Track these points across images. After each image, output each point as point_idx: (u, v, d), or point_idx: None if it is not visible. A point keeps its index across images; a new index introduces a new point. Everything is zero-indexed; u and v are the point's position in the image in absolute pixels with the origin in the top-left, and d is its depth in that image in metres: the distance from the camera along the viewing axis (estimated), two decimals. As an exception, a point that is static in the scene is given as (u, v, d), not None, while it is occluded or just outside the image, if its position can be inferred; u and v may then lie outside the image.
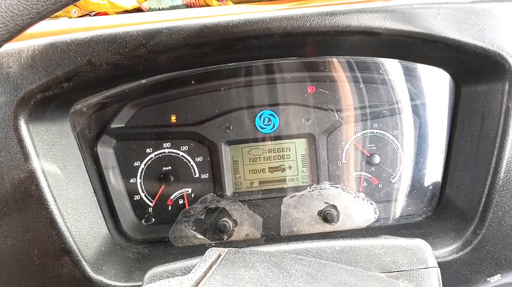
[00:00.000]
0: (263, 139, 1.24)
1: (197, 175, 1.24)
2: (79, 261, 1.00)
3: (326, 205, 1.21)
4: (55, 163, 1.02)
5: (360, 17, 0.94)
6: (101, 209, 1.15)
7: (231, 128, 1.22)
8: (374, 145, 1.24)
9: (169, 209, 1.25)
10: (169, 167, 1.24)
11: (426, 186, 1.23)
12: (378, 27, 0.95)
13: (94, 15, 1.57)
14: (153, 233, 1.24)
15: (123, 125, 1.22)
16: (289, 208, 1.22)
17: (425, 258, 0.86)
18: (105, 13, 1.54)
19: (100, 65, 0.95)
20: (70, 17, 1.55)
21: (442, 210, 1.17)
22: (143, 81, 1.15)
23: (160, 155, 1.23)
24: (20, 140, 0.94)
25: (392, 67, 1.20)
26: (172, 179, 1.23)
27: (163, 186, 1.24)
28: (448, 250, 1.02)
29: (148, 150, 1.23)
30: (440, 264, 0.87)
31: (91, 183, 1.15)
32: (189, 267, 0.83)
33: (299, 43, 1.02)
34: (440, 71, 1.15)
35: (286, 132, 1.23)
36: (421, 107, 1.22)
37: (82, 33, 0.95)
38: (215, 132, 1.22)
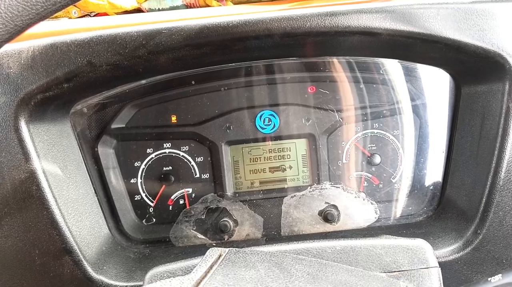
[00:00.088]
0: (264, 140, 1.24)
1: (198, 175, 1.24)
2: (80, 261, 1.00)
3: (327, 205, 1.21)
4: (56, 163, 1.02)
5: (360, 18, 0.94)
6: (102, 209, 1.15)
7: (231, 128, 1.22)
8: (374, 145, 1.24)
9: (170, 209, 1.25)
10: (170, 167, 1.24)
11: (426, 185, 1.23)
12: (378, 27, 0.95)
13: (94, 15, 1.57)
14: (154, 233, 1.24)
15: (124, 125, 1.22)
16: (289, 208, 1.22)
17: (426, 258, 0.85)
18: (105, 14, 1.54)
19: (100, 66, 0.95)
20: (70, 18, 1.55)
21: (443, 210, 1.17)
22: (143, 81, 1.15)
23: (161, 155, 1.24)
24: (21, 141, 0.94)
25: (392, 67, 1.20)
26: (173, 179, 1.23)
27: (163, 186, 1.24)
28: (449, 250, 1.02)
29: (148, 150, 1.23)
30: (441, 264, 0.87)
31: (92, 183, 1.15)
32: (190, 267, 0.84)
33: (299, 44, 1.02)
34: (440, 72, 1.15)
35: (287, 133, 1.23)
36: (422, 107, 1.22)
37: (82, 34, 0.95)
38: (216, 133, 1.22)
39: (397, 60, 1.18)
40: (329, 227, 1.21)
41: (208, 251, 0.80)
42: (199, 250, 1.12)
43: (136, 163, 1.23)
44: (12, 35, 0.60)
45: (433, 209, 1.21)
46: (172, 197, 1.25)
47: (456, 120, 1.15)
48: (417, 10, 0.95)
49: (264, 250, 0.83)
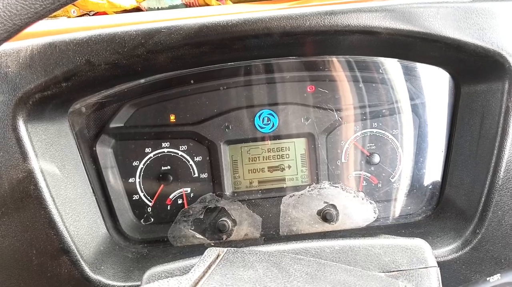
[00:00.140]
0: (263, 139, 1.24)
1: (196, 175, 1.24)
2: (77, 261, 0.99)
3: (326, 204, 1.21)
4: (54, 162, 1.02)
5: (359, 17, 0.94)
6: (100, 208, 1.15)
7: (230, 128, 1.22)
8: (373, 144, 1.24)
9: (168, 208, 1.25)
10: (168, 167, 1.24)
11: (425, 185, 1.23)
12: (377, 26, 0.95)
13: (93, 14, 1.57)
14: (152, 232, 1.24)
15: (122, 125, 1.22)
16: (288, 207, 1.22)
17: (425, 258, 0.85)
18: (104, 13, 1.53)
19: (98, 65, 0.94)
20: (69, 17, 1.54)
21: (442, 210, 1.17)
22: (142, 80, 1.15)
23: (159, 155, 1.23)
24: (19, 140, 0.94)
25: (391, 66, 1.20)
26: (171, 178, 1.23)
27: (162, 185, 1.24)
28: (448, 250, 1.02)
29: (147, 150, 1.23)
30: (440, 264, 0.87)
31: (90, 183, 1.15)
32: (188, 267, 0.83)
33: (299, 43, 1.02)
34: (439, 71, 1.15)
35: (286, 132, 1.23)
36: (421, 106, 1.22)
37: (80, 33, 0.95)
38: (214, 132, 1.22)
39: (396, 59, 1.18)
40: (327, 227, 1.21)
41: (206, 251, 0.80)
42: (198, 250, 1.12)
43: (134, 162, 1.23)
44: (10, 34, 0.60)
45: (432, 208, 1.21)
46: (171, 197, 1.24)
47: (456, 119, 1.15)
48: (417, 9, 0.95)
49: (263, 250, 0.83)
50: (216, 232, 1.21)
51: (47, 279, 1.00)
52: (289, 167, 1.25)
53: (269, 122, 1.23)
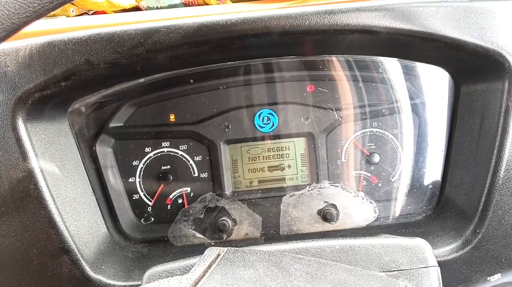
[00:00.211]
0: (262, 139, 1.24)
1: (196, 174, 1.24)
2: (78, 260, 0.99)
3: (326, 204, 1.21)
4: (54, 162, 1.02)
5: (359, 16, 0.94)
6: (100, 208, 1.15)
7: (230, 127, 1.22)
8: (373, 144, 1.24)
9: (168, 208, 1.25)
10: (168, 166, 1.23)
11: (425, 184, 1.23)
12: (377, 25, 0.95)
13: (92, 13, 1.57)
14: (152, 232, 1.23)
15: (122, 124, 1.22)
16: (288, 207, 1.22)
17: (425, 257, 0.85)
18: (103, 12, 1.53)
19: (98, 64, 0.94)
20: (68, 16, 1.54)
21: (442, 209, 1.17)
22: (142, 80, 1.15)
23: (159, 154, 1.23)
24: (18, 140, 0.94)
25: (391, 66, 1.19)
26: (171, 178, 1.23)
27: (162, 185, 1.24)
28: (448, 249, 1.02)
29: (147, 149, 1.23)
30: (440, 263, 0.87)
31: (90, 182, 1.14)
32: (188, 266, 0.83)
33: (298, 42, 1.02)
34: (439, 70, 1.14)
35: (285, 131, 1.23)
36: (421, 106, 1.22)
37: (79, 32, 0.95)
38: (214, 132, 1.22)
39: (396, 58, 1.17)
40: (328, 226, 1.20)
41: (207, 250, 0.80)
42: (198, 249, 1.12)
43: (134, 162, 1.23)
44: (9, 33, 0.60)
45: (432, 208, 1.21)
46: (171, 196, 1.24)
47: (455, 119, 1.15)
48: (417, 8, 0.95)
49: (263, 249, 0.83)
50: (217, 232, 1.21)
51: (47, 279, 1.00)
52: (289, 166, 1.25)
53: (269, 121, 1.23)
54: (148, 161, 1.23)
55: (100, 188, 1.19)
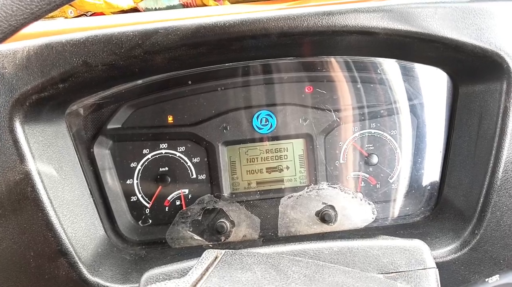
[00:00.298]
0: (261, 140, 1.23)
1: (194, 176, 1.24)
2: (75, 263, 0.99)
3: (324, 205, 1.21)
4: (51, 164, 1.02)
5: (357, 17, 0.94)
6: (97, 210, 1.15)
7: (228, 128, 1.22)
8: (372, 145, 1.23)
9: (166, 210, 1.24)
10: (166, 168, 1.23)
11: (424, 186, 1.23)
12: (375, 26, 0.94)
13: (90, 15, 1.57)
14: (150, 234, 1.23)
15: (120, 126, 1.21)
16: (286, 208, 1.22)
17: (423, 259, 0.85)
18: (101, 13, 1.53)
19: (95, 66, 0.94)
20: (66, 17, 1.54)
21: (440, 210, 1.17)
22: (140, 81, 1.15)
23: (157, 156, 1.23)
24: (16, 142, 0.93)
25: (389, 67, 1.19)
26: (169, 179, 1.23)
27: (160, 187, 1.23)
28: (446, 250, 1.02)
29: (144, 151, 1.23)
30: (438, 265, 0.87)
31: (88, 184, 1.14)
32: (186, 269, 0.83)
33: (296, 43, 1.02)
34: (437, 71, 1.14)
35: (284, 133, 1.23)
36: (419, 107, 1.22)
37: (77, 34, 0.95)
38: (212, 133, 1.21)
39: (394, 59, 1.17)
40: (326, 228, 1.20)
41: (204, 253, 0.80)
42: (196, 252, 1.11)
43: (132, 164, 1.23)
44: (6, 35, 0.60)
45: (430, 209, 1.21)
46: (169, 198, 1.24)
47: (454, 120, 1.15)
48: (415, 9, 0.95)
49: (261, 252, 0.82)
50: (215, 234, 1.20)
51: (45, 281, 0.99)
52: (287, 167, 1.25)
53: (267, 123, 1.22)
54: (146, 163, 1.23)
55: (97, 190, 1.18)
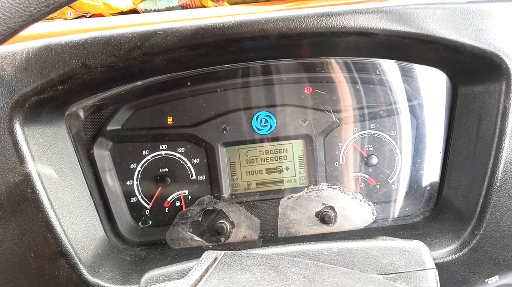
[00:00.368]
0: (260, 141, 1.24)
1: (194, 177, 1.24)
2: (75, 264, 0.99)
3: (324, 206, 1.21)
4: (51, 165, 1.02)
5: (356, 18, 0.94)
6: (97, 211, 1.15)
7: (228, 129, 1.22)
8: (371, 146, 1.23)
9: (166, 211, 1.24)
10: (166, 169, 1.23)
11: (423, 186, 1.23)
12: (374, 28, 0.95)
13: (89, 16, 1.57)
14: (150, 235, 1.23)
15: (119, 127, 1.22)
16: (286, 209, 1.22)
17: (423, 260, 0.85)
18: (101, 15, 1.53)
19: (95, 68, 0.94)
20: (65, 19, 1.54)
21: (440, 211, 1.17)
22: (139, 83, 1.15)
23: (157, 157, 1.23)
24: (15, 144, 0.93)
25: (389, 67, 1.19)
26: (169, 181, 1.23)
27: (159, 188, 1.23)
28: (446, 251, 1.02)
29: (144, 152, 1.23)
30: (438, 265, 0.87)
31: (88, 186, 1.14)
32: (185, 270, 0.83)
33: (295, 45, 1.02)
34: (437, 72, 1.14)
35: (283, 134, 1.23)
36: (418, 107, 1.22)
37: (76, 35, 0.95)
38: (212, 134, 1.22)
39: (393, 60, 1.17)
40: (326, 229, 1.20)
41: (204, 254, 0.80)
42: (196, 253, 1.11)
43: (132, 165, 1.23)
44: (5, 37, 0.60)
45: (430, 209, 1.21)
46: (168, 199, 1.24)
47: (453, 120, 1.15)
48: (414, 10, 0.95)
49: (260, 253, 0.83)
50: (214, 234, 1.21)
51: (45, 283, 0.99)
52: (287, 168, 1.25)
53: (267, 124, 1.22)
54: (145, 164, 1.23)
55: (97, 191, 1.18)
